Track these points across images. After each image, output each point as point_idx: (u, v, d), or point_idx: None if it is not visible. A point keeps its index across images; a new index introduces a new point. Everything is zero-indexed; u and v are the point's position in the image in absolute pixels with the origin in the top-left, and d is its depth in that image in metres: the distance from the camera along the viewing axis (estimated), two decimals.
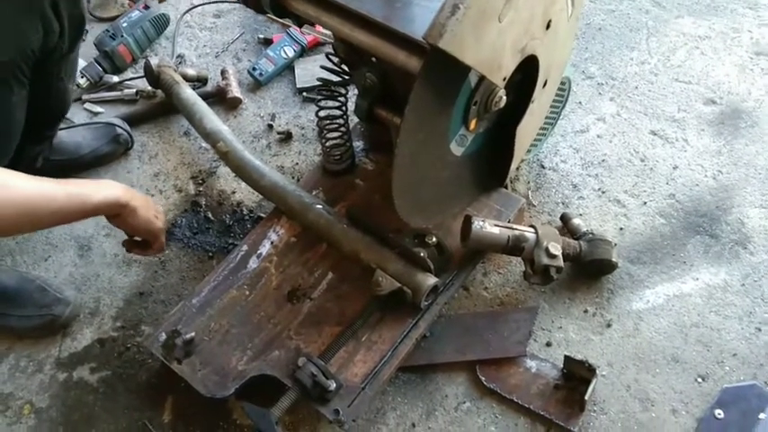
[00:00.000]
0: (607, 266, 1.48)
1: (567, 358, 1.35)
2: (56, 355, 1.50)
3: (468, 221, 1.39)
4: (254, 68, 1.95)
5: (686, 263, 1.54)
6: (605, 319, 1.47)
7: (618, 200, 1.65)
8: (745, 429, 1.29)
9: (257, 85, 1.96)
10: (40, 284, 1.52)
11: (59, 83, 1.47)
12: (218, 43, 2.08)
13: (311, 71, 1.92)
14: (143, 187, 1.76)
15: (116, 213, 1.21)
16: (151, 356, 1.45)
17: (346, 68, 1.39)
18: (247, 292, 1.43)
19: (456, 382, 1.40)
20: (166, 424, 1.39)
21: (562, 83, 1.51)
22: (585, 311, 1.48)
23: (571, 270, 1.52)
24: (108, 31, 2.02)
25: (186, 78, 1.88)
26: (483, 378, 1.39)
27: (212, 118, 1.68)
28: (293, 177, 1.75)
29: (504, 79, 1.10)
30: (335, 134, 1.52)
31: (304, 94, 1.93)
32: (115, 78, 1.99)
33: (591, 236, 1.50)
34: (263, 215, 1.65)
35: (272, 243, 1.50)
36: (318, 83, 1.45)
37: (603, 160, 1.72)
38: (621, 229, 1.60)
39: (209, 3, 2.19)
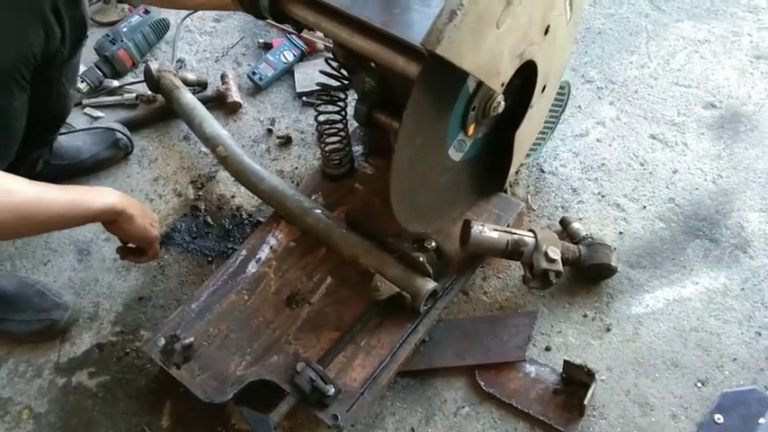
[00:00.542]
0: (606, 271, 1.48)
1: (566, 363, 1.35)
2: (55, 359, 1.50)
3: (467, 226, 1.39)
4: (253, 73, 1.95)
5: (686, 267, 1.53)
6: (605, 323, 1.46)
7: (617, 204, 1.65)
8: None
9: (257, 89, 1.96)
10: (39, 289, 1.52)
11: (60, 87, 1.47)
12: (218, 48, 2.09)
13: (311, 76, 1.92)
14: (142, 192, 1.76)
15: (112, 220, 1.21)
16: (150, 361, 1.45)
17: (345, 73, 1.39)
18: (246, 297, 1.43)
19: (455, 386, 1.40)
20: (165, 429, 1.39)
21: (561, 87, 1.51)
22: (585, 316, 1.48)
23: (570, 274, 1.52)
24: (108, 35, 2.02)
25: (186, 83, 1.88)
26: (482, 383, 1.38)
27: (212, 122, 1.68)
28: (293, 182, 1.75)
29: (503, 85, 1.10)
30: (335, 139, 1.52)
31: (304, 98, 1.93)
32: (115, 83, 1.99)
33: (590, 240, 1.50)
34: (262, 219, 1.65)
35: (271, 248, 1.50)
36: (318, 87, 1.45)
37: (603, 164, 1.72)
38: (621, 233, 1.60)
39: None
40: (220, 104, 1.92)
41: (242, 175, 1.57)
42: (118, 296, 1.59)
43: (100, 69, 1.97)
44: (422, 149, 1.17)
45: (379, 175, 1.59)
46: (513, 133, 1.34)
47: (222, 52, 2.07)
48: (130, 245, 1.34)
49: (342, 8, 1.10)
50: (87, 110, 1.95)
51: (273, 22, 1.29)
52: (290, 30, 1.82)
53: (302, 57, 2.01)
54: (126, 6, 2.17)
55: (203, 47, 2.10)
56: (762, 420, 1.30)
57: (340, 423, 1.23)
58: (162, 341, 1.37)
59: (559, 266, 1.38)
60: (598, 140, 1.77)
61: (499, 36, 0.99)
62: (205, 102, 1.85)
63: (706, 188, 1.66)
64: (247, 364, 1.33)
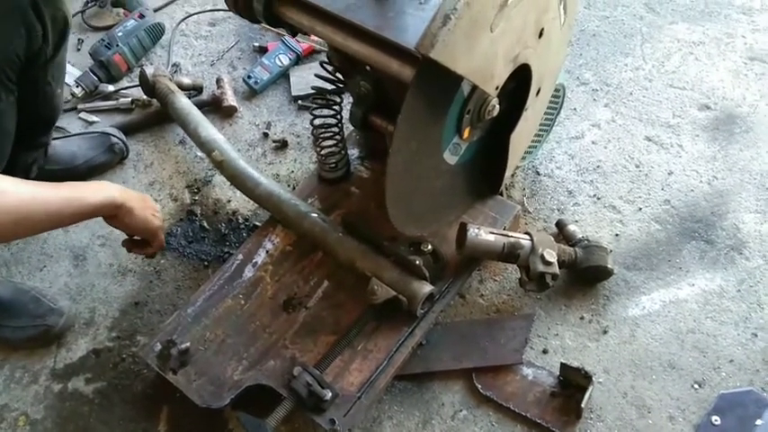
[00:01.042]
0: (603, 273, 1.48)
1: (563, 366, 1.35)
2: (51, 365, 1.50)
3: (463, 229, 1.39)
4: (249, 77, 1.95)
5: (682, 269, 1.54)
6: (601, 325, 1.46)
7: (613, 206, 1.65)
8: None
9: (252, 93, 1.96)
10: (35, 295, 1.52)
11: (47, 87, 1.46)
12: (214, 52, 2.09)
13: (306, 79, 1.92)
14: None
15: (113, 214, 1.21)
16: (146, 367, 1.44)
17: (341, 77, 1.39)
18: (243, 302, 1.42)
19: (452, 390, 1.40)
20: None
21: (556, 90, 1.51)
22: (582, 318, 1.48)
23: (567, 277, 1.52)
24: (103, 40, 2.02)
25: (181, 87, 1.88)
26: (479, 386, 1.38)
27: (207, 127, 1.68)
28: (289, 185, 1.75)
29: (497, 88, 1.10)
30: (330, 142, 1.52)
31: (299, 101, 1.93)
32: (111, 87, 1.99)
33: (586, 242, 1.50)
34: (258, 224, 1.65)
35: (267, 252, 1.50)
36: (313, 91, 1.45)
37: (598, 166, 1.73)
38: (617, 235, 1.60)
39: (205, 11, 2.19)
40: (216, 108, 1.92)
41: (238, 180, 1.57)
42: (114, 301, 1.58)
43: (95, 74, 1.97)
44: (417, 153, 1.17)
45: (375, 178, 1.59)
46: (508, 136, 1.34)
47: (218, 56, 2.07)
48: (136, 237, 1.34)
49: (336, 12, 1.10)
50: (83, 114, 1.95)
51: (268, 26, 1.28)
52: (285, 33, 1.82)
53: (297, 60, 2.01)
54: (121, 11, 2.17)
55: (199, 51, 2.10)
56: (759, 422, 1.30)
57: (337, 427, 1.23)
58: (158, 346, 1.36)
59: (556, 269, 1.38)
60: (593, 143, 1.78)
61: (493, 40, 0.99)
62: (201, 106, 1.85)
63: (701, 190, 1.67)
64: (244, 368, 1.33)
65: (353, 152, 1.64)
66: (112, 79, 2.01)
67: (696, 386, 1.37)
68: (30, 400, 1.45)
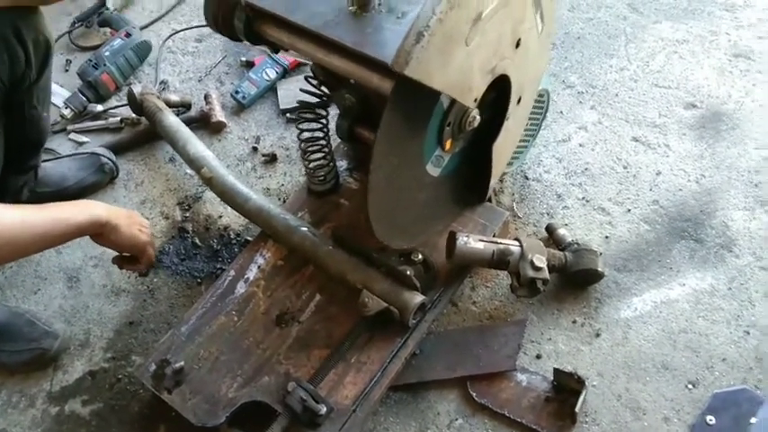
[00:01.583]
0: (593, 276, 1.48)
1: (556, 371, 1.35)
2: (47, 389, 1.50)
3: (452, 238, 1.40)
4: (236, 92, 1.96)
5: (672, 269, 1.54)
6: (594, 328, 1.47)
7: (602, 208, 1.66)
8: None
9: (241, 107, 1.97)
10: (29, 318, 1.52)
11: (33, 111, 1.47)
12: (201, 68, 2.10)
13: (294, 92, 1.92)
14: None
15: (98, 232, 1.21)
16: (142, 386, 1.44)
17: (326, 90, 1.39)
18: (236, 318, 1.43)
19: (447, 398, 1.40)
20: None
21: (540, 95, 1.52)
22: (574, 322, 1.48)
23: (558, 281, 1.53)
24: (91, 60, 2.03)
25: (170, 104, 1.89)
26: (474, 394, 1.39)
27: (196, 144, 1.69)
28: (279, 199, 1.76)
29: (476, 100, 1.11)
30: (318, 155, 1.53)
31: (287, 115, 1.94)
32: (99, 107, 2.00)
33: (576, 246, 1.50)
34: (250, 238, 1.65)
35: (258, 267, 1.50)
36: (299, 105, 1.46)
37: (586, 169, 1.73)
38: (607, 237, 1.61)
39: (191, 28, 2.20)
40: (205, 124, 1.93)
41: (227, 196, 1.57)
42: (108, 322, 1.59)
43: (83, 94, 1.98)
44: (398, 168, 1.18)
45: (365, 189, 1.58)
46: (491, 146, 1.34)
47: (205, 72, 2.08)
48: (125, 254, 1.35)
49: (314, 29, 1.10)
50: (72, 135, 1.96)
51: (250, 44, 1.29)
52: (267, 51, 1.83)
53: (284, 74, 2.02)
54: (108, 30, 2.18)
55: (186, 67, 2.11)
56: (753, 420, 1.30)
57: None
58: (153, 366, 1.37)
59: (545, 274, 1.38)
60: (581, 145, 1.78)
61: (469, 53, 1.00)
62: (189, 122, 1.86)
63: (690, 189, 1.67)
64: (239, 385, 1.33)
65: (342, 164, 1.65)
66: (101, 99, 2.02)
67: (690, 386, 1.37)
68: (27, 423, 1.45)
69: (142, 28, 2.18)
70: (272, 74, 1.99)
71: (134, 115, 1.93)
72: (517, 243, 1.41)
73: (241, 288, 1.48)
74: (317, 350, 1.36)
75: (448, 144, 1.23)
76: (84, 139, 1.95)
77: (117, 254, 1.39)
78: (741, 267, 1.53)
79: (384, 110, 1.06)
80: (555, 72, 1.94)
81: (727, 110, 1.82)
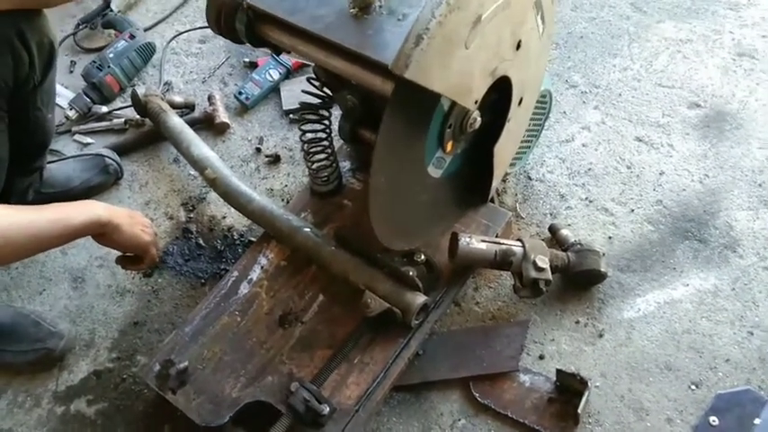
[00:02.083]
0: (596, 276, 1.48)
1: (559, 372, 1.35)
2: (53, 388, 1.51)
3: (454, 238, 1.40)
4: (240, 92, 1.97)
5: (676, 269, 1.54)
6: (597, 329, 1.47)
7: (605, 208, 1.65)
8: None
9: (244, 108, 1.98)
10: (35, 319, 1.54)
11: (38, 112, 1.48)
12: (205, 69, 2.10)
13: (297, 93, 1.91)
14: None
15: (100, 232, 1.22)
16: (147, 387, 1.45)
17: (328, 91, 1.40)
18: (239, 319, 1.44)
19: (450, 399, 1.41)
20: None
21: (542, 96, 1.52)
22: (577, 322, 1.48)
23: (561, 281, 1.52)
24: (95, 62, 2.04)
25: (173, 106, 1.90)
26: (477, 394, 1.39)
27: (199, 145, 1.70)
28: (283, 200, 1.76)
29: (476, 102, 1.11)
30: (321, 156, 1.53)
31: (291, 115, 1.94)
32: (104, 109, 2.01)
33: (579, 246, 1.50)
34: (253, 239, 1.66)
35: (262, 268, 1.51)
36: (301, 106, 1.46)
37: (590, 169, 1.73)
38: (610, 237, 1.60)
39: (195, 29, 2.20)
40: (208, 126, 1.94)
41: (230, 197, 1.58)
42: (113, 322, 1.60)
43: (88, 96, 1.99)
44: (399, 170, 1.18)
45: (367, 190, 1.59)
46: (492, 147, 1.34)
47: (209, 73, 2.09)
48: (128, 254, 1.35)
49: (316, 31, 1.11)
50: (77, 137, 1.97)
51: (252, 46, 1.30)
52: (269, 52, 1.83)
53: (288, 74, 2.02)
54: (112, 32, 2.19)
55: (190, 68, 2.11)
56: (757, 421, 1.30)
57: None
58: (157, 366, 1.37)
59: (548, 275, 1.38)
60: (584, 145, 1.78)
61: (469, 56, 1.00)
62: (193, 123, 1.87)
63: (693, 189, 1.67)
64: (242, 385, 1.34)
65: (345, 165, 1.65)
66: (105, 100, 2.03)
67: (693, 387, 1.37)
68: (33, 423, 1.47)
69: (146, 29, 2.19)
70: (275, 75, 1.99)
71: (138, 116, 1.93)
72: (520, 244, 1.41)
73: (244, 289, 1.48)
74: (320, 350, 1.37)
75: (449, 146, 1.23)
76: (88, 140, 1.96)
77: (120, 254, 1.40)
78: (745, 268, 1.52)
79: (384, 112, 1.06)
80: (558, 72, 1.94)
81: (731, 109, 1.81)
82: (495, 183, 1.46)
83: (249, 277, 1.50)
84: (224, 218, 1.76)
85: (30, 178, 1.67)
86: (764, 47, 1.94)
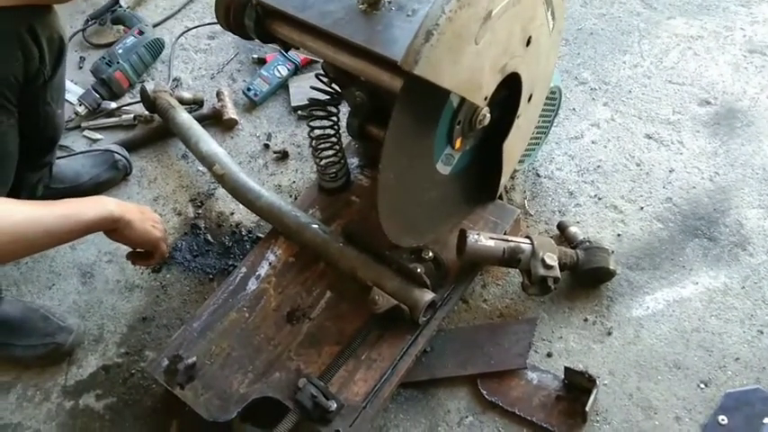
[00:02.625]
0: (605, 274, 1.48)
1: (567, 369, 1.35)
2: (62, 383, 1.52)
3: (462, 235, 1.39)
4: (248, 89, 1.97)
5: (685, 267, 1.53)
6: (605, 327, 1.46)
7: (615, 206, 1.65)
8: None
9: (252, 105, 1.98)
10: (44, 313, 1.54)
11: (47, 108, 1.48)
12: (213, 65, 2.10)
13: (305, 89, 1.92)
14: None
15: (112, 228, 1.22)
16: (155, 382, 1.46)
17: (336, 87, 1.40)
18: (247, 315, 1.44)
19: (458, 396, 1.40)
20: None
21: (552, 92, 1.51)
22: (585, 320, 1.47)
23: (570, 279, 1.52)
24: (104, 58, 2.04)
25: (182, 102, 1.90)
26: (484, 392, 1.39)
27: (208, 141, 1.70)
28: (291, 196, 1.76)
29: (486, 99, 1.10)
30: (329, 152, 1.53)
31: (299, 112, 1.94)
32: (113, 105, 2.01)
33: (588, 244, 1.50)
34: (261, 235, 1.66)
35: (270, 264, 1.51)
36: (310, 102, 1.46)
37: (599, 166, 1.72)
38: (619, 235, 1.60)
39: (203, 25, 2.21)
40: (217, 121, 1.94)
41: (239, 193, 1.58)
42: (122, 317, 1.60)
43: (97, 92, 1.99)
44: (408, 166, 1.18)
45: (376, 187, 1.59)
46: (501, 144, 1.34)
47: (217, 69, 2.09)
48: (138, 249, 1.36)
49: (325, 27, 1.11)
50: (86, 132, 1.97)
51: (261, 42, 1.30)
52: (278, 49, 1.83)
53: (296, 71, 2.02)
54: (121, 28, 2.19)
55: (198, 64, 2.12)
56: (766, 420, 1.29)
57: None
58: (165, 362, 1.38)
59: (557, 272, 1.38)
60: (593, 142, 1.77)
61: (478, 52, 0.99)
62: (202, 120, 1.87)
63: (703, 186, 1.66)
64: (250, 381, 1.34)
65: (353, 161, 1.65)
66: (114, 96, 2.04)
67: (702, 386, 1.36)
68: (42, 417, 1.47)
69: (155, 25, 2.20)
70: (283, 71, 1.99)
71: (147, 112, 1.94)
72: (528, 241, 1.41)
73: (252, 285, 1.48)
74: (328, 347, 1.37)
75: (458, 143, 1.22)
76: (97, 136, 1.97)
77: (130, 250, 1.40)
78: (755, 266, 1.51)
79: (393, 108, 1.06)
80: (567, 68, 1.93)
81: (741, 107, 1.80)
82: (504, 180, 1.46)
83: (257, 273, 1.50)
84: (232, 214, 1.76)
85: (39, 173, 1.68)
86: None
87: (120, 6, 2.19)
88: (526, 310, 1.50)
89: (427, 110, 1.12)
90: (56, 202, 1.15)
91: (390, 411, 1.39)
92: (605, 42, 2.00)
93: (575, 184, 1.69)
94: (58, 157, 1.76)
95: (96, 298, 1.64)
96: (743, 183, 1.65)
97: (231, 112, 1.92)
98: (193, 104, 1.97)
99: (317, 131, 1.49)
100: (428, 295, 1.33)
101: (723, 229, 1.58)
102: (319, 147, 1.51)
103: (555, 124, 1.69)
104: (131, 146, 1.90)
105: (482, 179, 1.46)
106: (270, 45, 2.07)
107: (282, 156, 1.86)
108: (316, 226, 1.48)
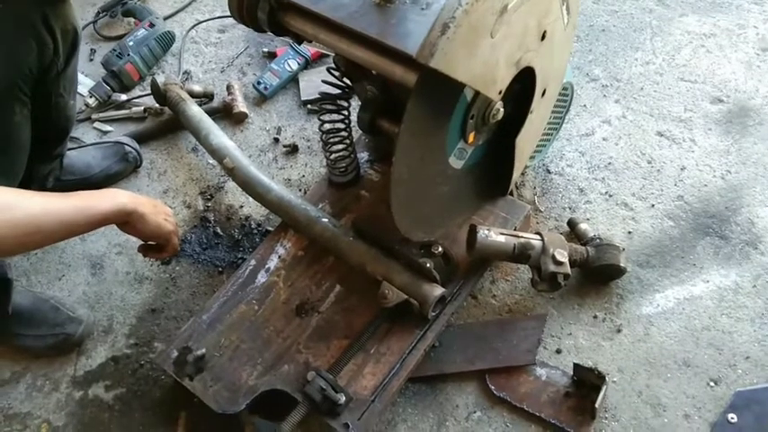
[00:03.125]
0: (615, 271, 1.47)
1: (576, 366, 1.34)
2: (71, 373, 1.53)
3: (473, 231, 1.39)
4: (258, 82, 1.97)
5: (696, 265, 1.52)
6: (615, 324, 1.46)
7: (625, 203, 1.64)
8: None
9: (262, 98, 1.98)
10: (54, 304, 1.55)
11: (60, 99, 1.49)
12: (224, 58, 2.11)
13: (315, 83, 1.93)
14: None
15: (124, 221, 1.22)
16: (164, 373, 1.46)
17: (348, 81, 1.39)
18: (256, 307, 1.44)
19: (466, 391, 1.40)
20: None
21: (564, 88, 1.51)
22: (595, 317, 1.47)
23: (579, 276, 1.52)
24: (115, 50, 2.05)
25: (192, 95, 1.90)
26: (493, 387, 1.39)
27: (218, 134, 1.70)
28: (300, 190, 1.77)
29: (500, 93, 1.10)
30: (340, 146, 1.53)
31: (309, 106, 1.94)
32: (123, 97, 2.02)
33: (598, 241, 1.49)
34: (270, 228, 1.67)
35: (279, 257, 1.51)
36: (321, 96, 1.46)
37: (610, 163, 1.71)
38: (630, 232, 1.59)
39: (214, 18, 2.21)
40: (227, 115, 1.94)
41: (249, 186, 1.58)
42: (131, 309, 1.61)
43: (108, 84, 2.00)
44: (421, 161, 1.17)
45: (385, 181, 1.59)
46: (514, 139, 1.34)
47: (228, 62, 2.09)
48: (150, 242, 1.36)
49: (338, 20, 1.10)
50: (97, 124, 1.98)
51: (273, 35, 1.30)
52: (290, 41, 1.83)
53: (306, 64, 2.02)
54: (132, 20, 2.19)
55: (209, 58, 2.12)
56: None
57: (352, 431, 1.24)
58: (174, 353, 1.39)
59: (567, 269, 1.37)
60: (604, 139, 1.76)
61: (494, 45, 0.99)
62: (212, 113, 1.87)
63: (715, 184, 1.65)
64: (259, 374, 1.34)
65: (363, 155, 1.65)
66: (125, 88, 2.04)
67: (712, 384, 1.36)
68: (51, 407, 1.48)
69: (166, 18, 2.20)
70: (293, 65, 1.99)
71: (157, 105, 1.94)
72: (538, 237, 1.40)
73: (262, 278, 1.49)
74: (337, 340, 1.37)
75: (471, 137, 1.22)
76: (108, 128, 1.97)
77: (141, 242, 1.40)
78: (766, 265, 1.51)
79: (407, 102, 1.05)
80: (579, 65, 1.92)
81: (754, 105, 1.79)
82: (516, 175, 1.45)
83: (267, 266, 1.50)
84: (241, 207, 1.76)
85: (50, 165, 1.68)
86: None
87: None
88: (535, 307, 1.50)
89: (441, 103, 1.12)
90: (70, 194, 1.16)
91: (398, 405, 1.40)
92: (617, 39, 1.99)
93: (585, 180, 1.69)
94: (69, 149, 1.76)
95: (106, 289, 1.65)
96: (755, 181, 1.64)
97: (241, 106, 1.93)
98: (203, 97, 1.97)
99: (328, 125, 1.49)
100: (438, 290, 1.33)
101: (734, 227, 1.57)
102: (329, 141, 1.51)
103: (566, 121, 1.68)
104: (142, 138, 1.90)
105: (494, 174, 1.46)
106: (280, 39, 2.09)
107: (292, 149, 1.86)
108: (326, 220, 1.48)
